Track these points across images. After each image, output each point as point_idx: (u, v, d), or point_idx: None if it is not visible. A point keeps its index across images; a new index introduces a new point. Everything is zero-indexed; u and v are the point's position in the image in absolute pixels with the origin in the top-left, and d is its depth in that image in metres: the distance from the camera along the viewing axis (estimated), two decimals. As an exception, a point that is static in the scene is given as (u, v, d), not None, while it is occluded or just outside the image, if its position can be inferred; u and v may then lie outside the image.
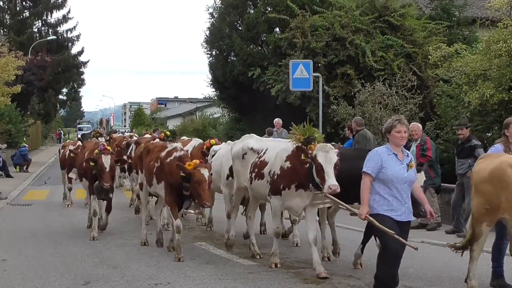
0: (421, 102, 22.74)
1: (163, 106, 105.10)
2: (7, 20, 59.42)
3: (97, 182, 12.58)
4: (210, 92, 46.51)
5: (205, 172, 10.25)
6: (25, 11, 60.84)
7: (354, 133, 15.22)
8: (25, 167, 30.94)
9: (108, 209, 13.32)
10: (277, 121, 21.46)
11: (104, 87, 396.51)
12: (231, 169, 11.68)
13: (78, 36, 63.43)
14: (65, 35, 62.70)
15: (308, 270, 9.93)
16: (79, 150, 15.76)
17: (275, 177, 9.79)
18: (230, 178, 11.79)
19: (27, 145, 34.56)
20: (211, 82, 35.69)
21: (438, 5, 28.07)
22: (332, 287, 9.01)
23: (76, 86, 70.80)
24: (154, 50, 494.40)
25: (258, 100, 29.07)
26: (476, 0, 28.06)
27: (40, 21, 61.85)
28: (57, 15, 62.02)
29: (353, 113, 21.91)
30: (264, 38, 30.97)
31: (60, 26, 62.44)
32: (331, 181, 8.82)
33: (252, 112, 31.20)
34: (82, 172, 13.60)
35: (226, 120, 41.22)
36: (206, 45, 33.94)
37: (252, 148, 10.73)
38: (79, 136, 78.01)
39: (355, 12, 25.60)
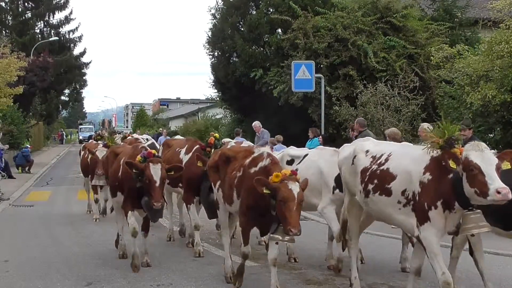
0: (423, 103, 22.79)
1: (165, 107, 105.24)
2: (9, 21, 59.52)
3: (145, 198, 9.56)
4: (212, 93, 46.66)
5: (294, 188, 7.78)
6: (27, 12, 60.96)
7: (357, 133, 15.17)
8: (27, 168, 30.94)
9: (146, 228, 10.46)
10: (255, 124, 20.98)
11: (106, 88, 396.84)
12: (337, 179, 9.58)
13: (80, 37, 63.64)
14: (67, 36, 62.82)
15: (310, 271, 9.93)
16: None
17: (417, 197, 7.28)
18: (337, 190, 9.69)
19: (29, 146, 34.56)
20: (213, 83, 35.76)
21: (440, 6, 28.12)
22: (334, 287, 9.00)
23: (78, 87, 70.82)
24: (156, 51, 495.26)
25: (260, 101, 29.10)
26: (478, 1, 28.08)
27: (42, 22, 62.00)
28: (59, 16, 62.27)
29: (355, 114, 21.95)
30: (266, 39, 31.02)
31: (62, 27, 62.65)
32: (497, 183, 6.48)
33: (254, 113, 31.21)
34: (117, 184, 10.54)
35: (228, 121, 41.29)
36: (208, 46, 34.01)
37: (367, 151, 8.40)
38: (81, 137, 78.34)
39: (357, 13, 25.64)
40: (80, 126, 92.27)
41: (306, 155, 10.67)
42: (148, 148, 10.40)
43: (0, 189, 20.62)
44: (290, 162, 10.71)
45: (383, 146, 8.42)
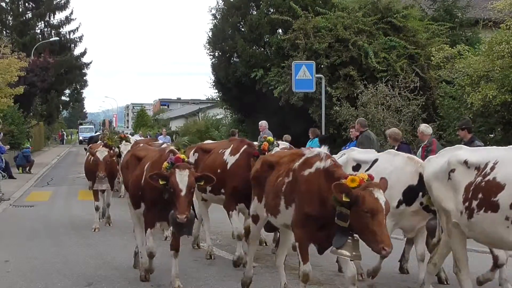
0: (423, 103, 22.78)
1: (166, 107, 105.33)
2: (10, 21, 59.50)
3: (172, 212, 8.15)
4: (213, 93, 46.65)
5: (380, 196, 6.50)
6: (28, 12, 60.96)
7: (358, 134, 15.17)
8: (27, 168, 30.93)
9: (176, 247, 8.95)
10: (262, 123, 20.79)
11: (107, 88, 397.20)
12: (406, 192, 8.41)
13: (80, 37, 63.65)
14: (67, 36, 62.83)
15: (310, 271, 9.91)
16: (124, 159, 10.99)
17: None
18: (404, 205, 8.43)
19: (30, 146, 34.55)
20: (214, 83, 35.76)
21: (440, 6, 28.13)
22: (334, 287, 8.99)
23: (78, 87, 70.83)
24: (157, 51, 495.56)
25: (261, 101, 29.10)
26: (479, 1, 28.08)
27: (42, 22, 62.00)
28: (59, 16, 62.27)
29: (355, 115, 21.94)
30: (267, 39, 31.04)
31: (62, 27, 62.66)
32: None
33: (255, 113, 31.24)
34: (140, 194, 9.08)
35: (228, 121, 41.31)
36: (209, 46, 34.01)
37: (465, 162, 7.05)
38: (81, 138, 78.19)
39: (357, 13, 25.64)
40: (80, 126, 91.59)
41: (376, 160, 9.13)
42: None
43: (0, 190, 20.60)
44: (356, 168, 9.30)
45: (484, 153, 7.10)
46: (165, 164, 8.24)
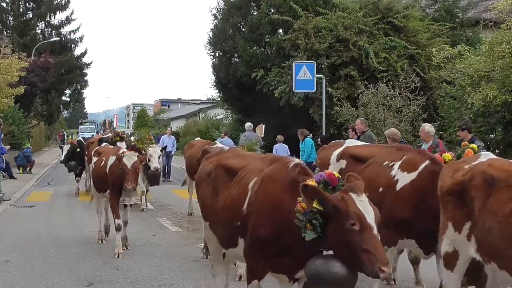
0: (424, 103, 22.80)
1: (167, 107, 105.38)
2: (10, 21, 59.46)
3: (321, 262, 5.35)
4: (213, 93, 46.75)
5: None
6: (28, 12, 60.93)
7: (359, 134, 15.15)
8: (28, 168, 30.91)
9: None
10: (248, 125, 20.72)
11: (108, 89, 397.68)
12: None
13: (81, 38, 63.59)
14: (68, 37, 62.79)
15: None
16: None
17: None
18: None
19: (30, 147, 34.54)
20: (214, 84, 35.79)
21: (441, 7, 28.15)
22: None
23: (79, 87, 70.73)
24: (158, 51, 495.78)
25: (262, 101, 29.12)
26: (480, 1, 28.09)
27: (43, 22, 61.96)
28: (60, 16, 62.22)
29: (356, 115, 21.95)
30: (268, 40, 31.07)
31: (63, 28, 62.60)
32: None
33: (255, 114, 31.27)
34: (239, 225, 5.88)
35: (229, 121, 41.31)
36: (209, 47, 34.06)
37: None
38: (80, 138, 77.22)
39: (358, 13, 25.66)
40: (81, 126, 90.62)
41: None
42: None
43: (1, 190, 20.58)
44: None
45: None
46: (312, 182, 5.13)
